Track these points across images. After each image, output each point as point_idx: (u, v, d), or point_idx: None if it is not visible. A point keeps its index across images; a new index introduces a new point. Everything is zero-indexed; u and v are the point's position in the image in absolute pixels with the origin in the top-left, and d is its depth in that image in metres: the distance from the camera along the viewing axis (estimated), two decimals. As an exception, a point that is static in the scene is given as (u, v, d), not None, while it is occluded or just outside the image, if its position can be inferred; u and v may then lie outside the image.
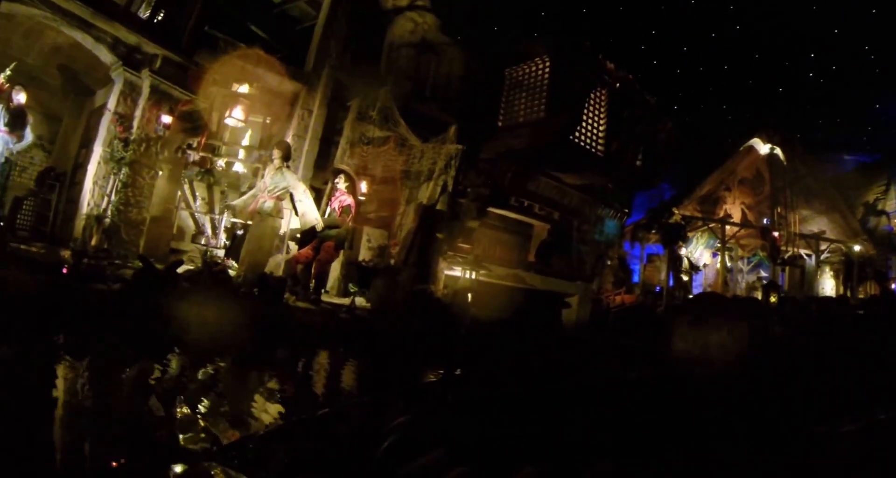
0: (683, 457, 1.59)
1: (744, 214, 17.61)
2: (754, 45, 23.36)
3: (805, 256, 17.14)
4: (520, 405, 2.14)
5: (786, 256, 15.84)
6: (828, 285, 16.38)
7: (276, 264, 8.34)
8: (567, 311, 11.70)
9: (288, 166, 7.63)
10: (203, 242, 10.96)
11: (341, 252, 7.65)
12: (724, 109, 23.75)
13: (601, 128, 9.32)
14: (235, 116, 9.35)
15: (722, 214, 17.21)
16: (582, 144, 8.85)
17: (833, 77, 23.16)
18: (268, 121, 11.23)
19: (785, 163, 15.99)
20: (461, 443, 1.60)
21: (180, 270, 7.29)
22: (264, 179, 7.43)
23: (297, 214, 7.33)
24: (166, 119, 8.46)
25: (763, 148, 16.35)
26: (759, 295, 17.78)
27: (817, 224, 17.32)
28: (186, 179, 11.61)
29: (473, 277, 8.67)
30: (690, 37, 23.19)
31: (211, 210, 10.81)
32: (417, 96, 9.91)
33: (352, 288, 9.85)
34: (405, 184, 9.80)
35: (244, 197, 7.65)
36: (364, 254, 10.37)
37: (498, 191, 9.24)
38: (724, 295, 13.69)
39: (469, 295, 8.75)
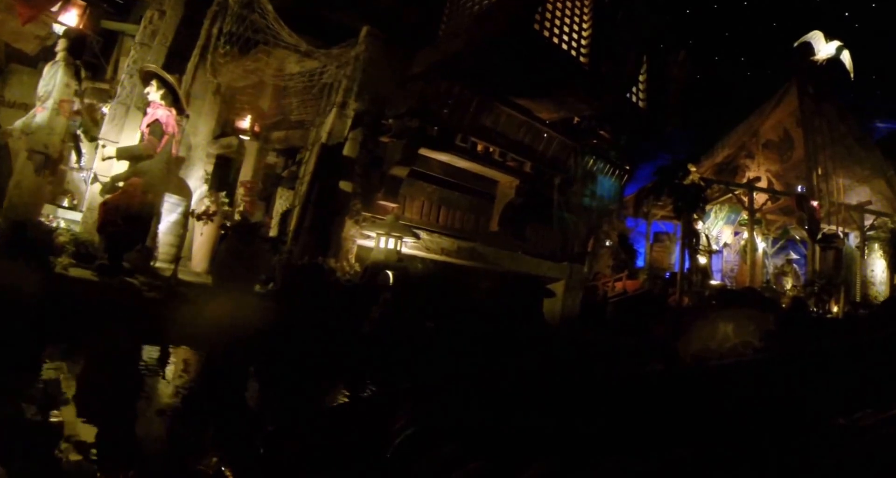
0: (698, 451, 1.45)
1: (770, 184, 14.58)
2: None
3: (841, 235, 14.05)
4: (533, 400, 2.07)
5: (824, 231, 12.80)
6: (878, 268, 13.26)
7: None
8: (549, 301, 8.95)
9: (76, 65, 4.85)
10: (66, 204, 8.50)
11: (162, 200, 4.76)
12: (743, 62, 20.73)
13: (584, 26, 6.35)
14: (64, 21, 6.45)
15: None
16: (554, 39, 5.87)
17: (865, 37, 20.05)
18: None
19: (851, 75, 12.81)
20: (474, 438, 1.57)
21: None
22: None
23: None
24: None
25: (825, 48, 13.11)
26: (788, 281, 14.86)
27: (857, 195, 14.26)
28: (71, 134, 9.10)
29: (394, 247, 5.75)
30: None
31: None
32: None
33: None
34: (310, 122, 6.95)
35: (25, 116, 4.99)
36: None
37: (436, 125, 6.31)
38: None
39: (390, 275, 5.85)
